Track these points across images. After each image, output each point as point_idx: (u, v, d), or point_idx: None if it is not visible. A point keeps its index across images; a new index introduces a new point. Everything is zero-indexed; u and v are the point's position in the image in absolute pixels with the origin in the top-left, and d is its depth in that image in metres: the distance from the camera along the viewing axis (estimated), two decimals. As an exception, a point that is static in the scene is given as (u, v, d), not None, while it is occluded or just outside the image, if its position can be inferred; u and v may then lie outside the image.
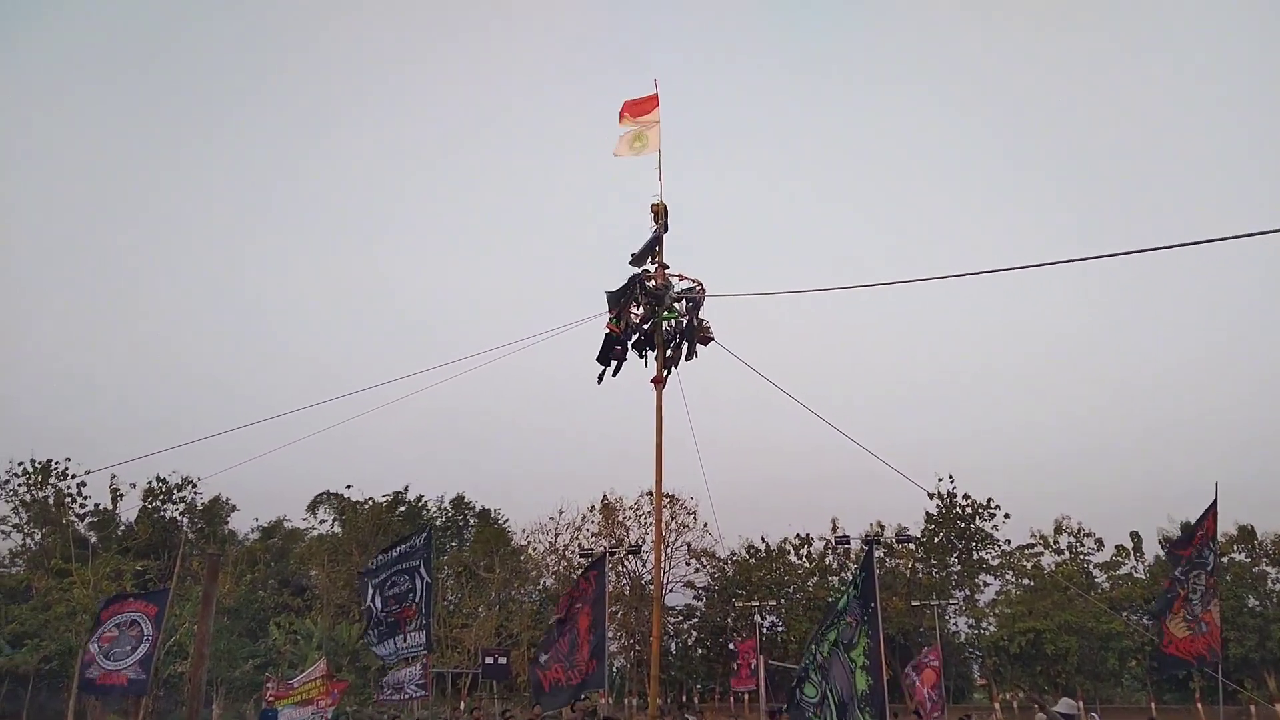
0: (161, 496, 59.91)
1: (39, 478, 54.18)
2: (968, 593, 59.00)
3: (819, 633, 16.09)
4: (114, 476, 56.86)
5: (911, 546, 57.97)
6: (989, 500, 59.31)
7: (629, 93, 16.20)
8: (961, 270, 10.74)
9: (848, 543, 48.48)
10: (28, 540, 56.03)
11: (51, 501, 54.49)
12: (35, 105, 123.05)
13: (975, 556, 59.37)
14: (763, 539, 64.73)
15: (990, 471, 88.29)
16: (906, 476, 16.06)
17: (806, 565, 62.72)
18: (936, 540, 59.21)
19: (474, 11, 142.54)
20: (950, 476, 60.02)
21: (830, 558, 60.77)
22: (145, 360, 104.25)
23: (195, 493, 60.44)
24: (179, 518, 60.26)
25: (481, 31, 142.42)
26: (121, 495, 58.39)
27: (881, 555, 57.76)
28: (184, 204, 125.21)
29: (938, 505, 59.35)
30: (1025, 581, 59.05)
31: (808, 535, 63.38)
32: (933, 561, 59.18)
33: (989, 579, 59.71)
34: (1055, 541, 60.60)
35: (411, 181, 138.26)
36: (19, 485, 53.99)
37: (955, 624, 60.00)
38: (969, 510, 59.19)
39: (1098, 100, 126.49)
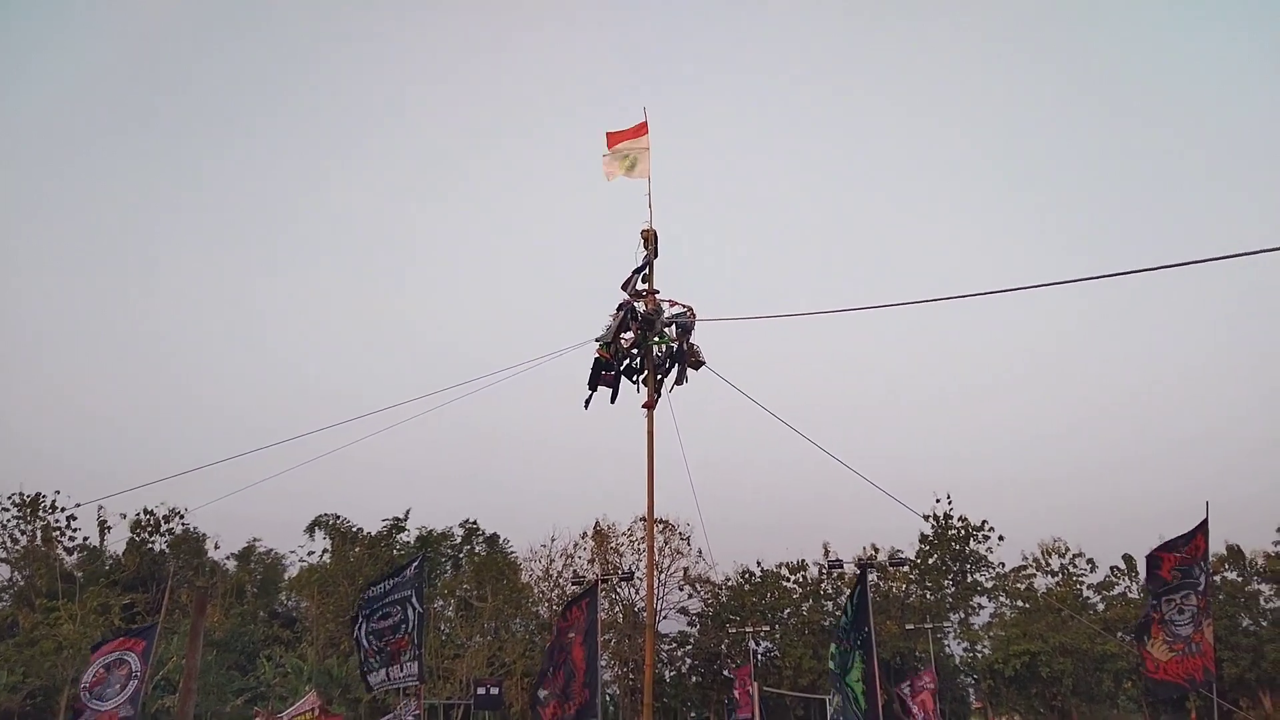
0: (149, 529, 59.35)
1: (28, 511, 53.74)
2: (963, 615, 58.84)
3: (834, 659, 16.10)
4: (101, 508, 56.46)
5: (905, 569, 57.87)
6: (983, 523, 59.43)
7: (630, 113, 16.36)
8: (948, 294, 10.82)
9: (841, 567, 48.58)
10: (15, 575, 55.50)
11: (39, 537, 54.02)
12: (46, 132, 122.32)
13: (969, 579, 59.32)
14: (758, 563, 64.52)
15: (979, 490, 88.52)
16: (899, 501, 16.03)
17: (800, 590, 62.45)
18: (930, 562, 59.11)
19: (497, 30, 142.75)
20: (948, 497, 60.07)
21: (825, 582, 60.53)
22: (144, 388, 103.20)
23: (183, 524, 59.96)
24: (165, 550, 59.64)
25: (503, 52, 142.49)
26: (109, 528, 57.97)
27: (875, 579, 57.65)
28: (190, 224, 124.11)
29: (933, 526, 59.32)
30: (1019, 604, 58.93)
31: (802, 560, 63.19)
32: (927, 584, 59.04)
33: (983, 602, 59.65)
34: (1047, 563, 60.51)
35: (401, 205, 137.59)
36: (8, 519, 53.59)
37: (950, 647, 59.79)
38: (963, 532, 59.21)
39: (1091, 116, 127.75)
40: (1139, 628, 15.43)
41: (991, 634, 58.00)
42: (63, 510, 53.84)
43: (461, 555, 68.42)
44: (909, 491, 59.26)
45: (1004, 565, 59.88)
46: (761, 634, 58.15)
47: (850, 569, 45.80)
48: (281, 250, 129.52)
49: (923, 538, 59.52)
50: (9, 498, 53.48)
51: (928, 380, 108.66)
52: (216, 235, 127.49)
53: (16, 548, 54.29)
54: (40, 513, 54.17)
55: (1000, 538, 59.23)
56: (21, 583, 54.08)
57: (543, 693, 17.59)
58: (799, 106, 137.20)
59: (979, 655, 58.05)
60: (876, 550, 59.27)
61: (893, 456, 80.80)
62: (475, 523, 68.61)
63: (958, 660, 60.27)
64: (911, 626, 53.74)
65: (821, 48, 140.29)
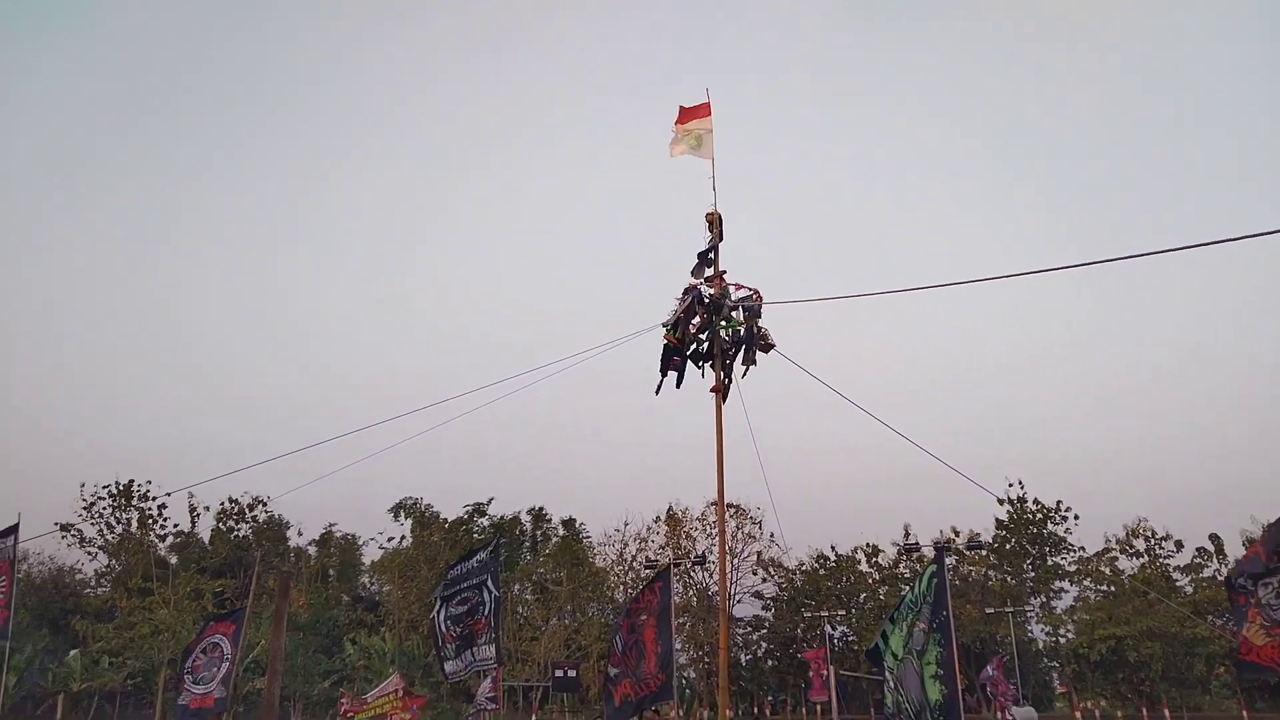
0: (234, 516, 61.52)
1: (122, 500, 55.94)
2: (1044, 599, 57.65)
3: (886, 636, 15.87)
4: (192, 495, 58.48)
5: (984, 553, 56.90)
6: (1058, 503, 58.11)
7: (673, 100, 16.28)
8: (1022, 269, 10.57)
9: (918, 550, 47.97)
10: (112, 562, 57.93)
11: (134, 524, 56.24)
12: (66, 126, 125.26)
13: (1050, 562, 58.09)
14: (832, 548, 64.06)
15: (1059, 471, 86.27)
16: (974, 481, 15.74)
17: (877, 574, 61.87)
18: (1009, 546, 58.00)
19: (512, 20, 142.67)
20: (1020, 482, 58.91)
21: (903, 565, 59.83)
22: (190, 386, 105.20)
23: (265, 511, 61.94)
24: (250, 537, 61.66)
25: (520, 41, 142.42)
26: (199, 515, 60.19)
27: (953, 562, 56.79)
28: (216, 224, 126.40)
29: (1008, 511, 58.19)
30: (1103, 587, 57.50)
31: (875, 547, 62.56)
32: (1006, 568, 57.96)
33: (1065, 585, 58.36)
34: (1131, 545, 58.85)
35: (455, 192, 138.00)
36: (104, 508, 55.85)
37: (1032, 631, 58.68)
38: (1039, 514, 57.99)
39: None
40: (1238, 613, 14.90)
41: (1075, 618, 56.75)
42: (153, 499, 55.96)
43: (534, 540, 69.41)
44: (982, 474, 58.47)
45: (1084, 548, 58.57)
46: (837, 618, 57.79)
47: (927, 552, 45.19)
48: (311, 243, 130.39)
49: (999, 523, 58.49)
50: (104, 487, 55.75)
51: (1001, 359, 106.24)
52: (260, 230, 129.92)
53: (113, 535, 56.61)
54: (134, 502, 56.34)
55: (1076, 517, 58.03)
56: (119, 569, 56.43)
57: (614, 671, 17.72)
58: (862, 86, 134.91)
59: (1062, 640, 56.87)
60: (956, 533, 58.38)
61: (964, 438, 79.52)
62: (542, 509, 69.75)
63: (1040, 645, 59.16)
64: (991, 611, 52.83)
65: (880, 28, 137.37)
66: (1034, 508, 58.32)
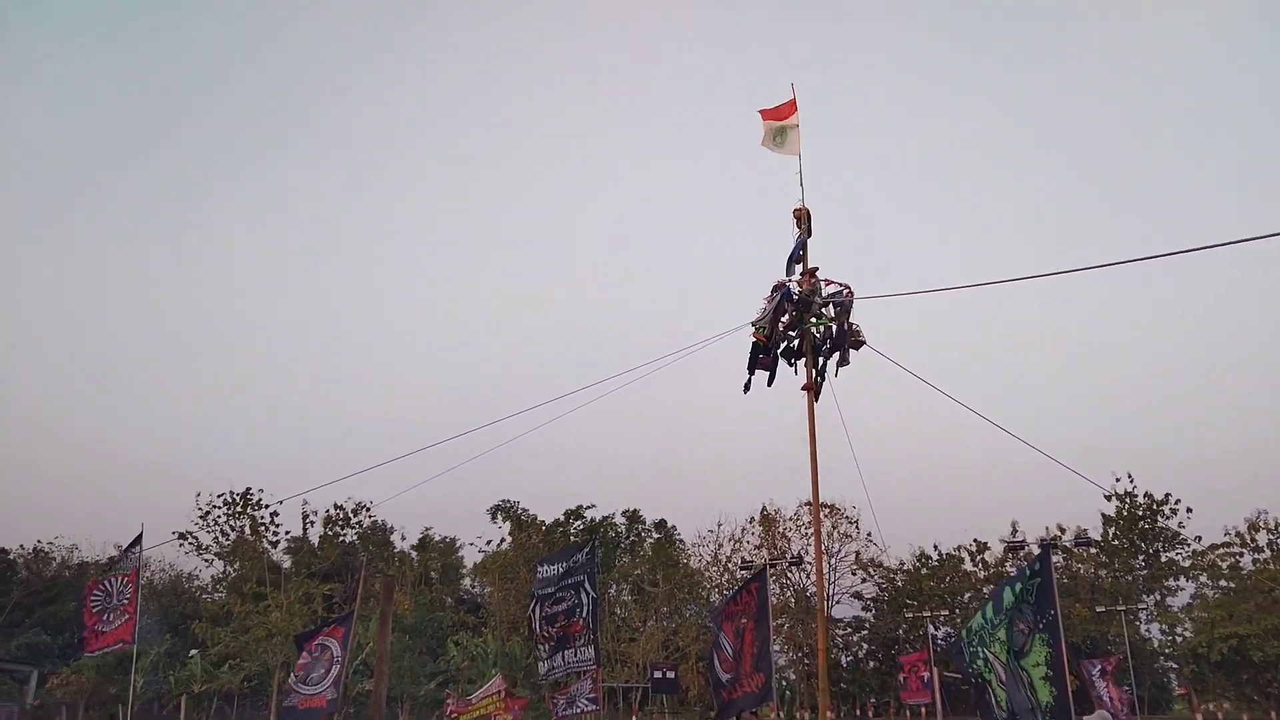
0: (340, 522, 63.52)
1: (237, 507, 58.29)
2: (1158, 597, 55.36)
3: (984, 630, 15.41)
4: (305, 502, 60.85)
5: (1091, 550, 54.93)
6: (1167, 495, 55.76)
7: (758, 98, 16.20)
8: (1118, 259, 10.20)
9: (1024, 547, 46.66)
10: (227, 568, 60.38)
11: (248, 530, 58.51)
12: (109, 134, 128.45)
13: (1163, 558, 55.74)
14: (935, 546, 62.74)
15: (1166, 467, 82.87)
16: (1079, 473, 15.22)
17: (982, 573, 60.30)
18: (1118, 542, 55.87)
19: (593, 13, 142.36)
20: (1129, 476, 56.71)
21: (1009, 564, 58.21)
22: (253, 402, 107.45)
23: (369, 517, 63.83)
24: (356, 542, 63.55)
25: (602, 35, 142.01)
26: (311, 522, 62.48)
27: (1061, 560, 55.03)
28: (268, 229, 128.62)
29: (1116, 506, 56.07)
30: (1223, 584, 54.88)
31: (981, 544, 60.90)
32: (1115, 565, 55.83)
33: (1180, 582, 55.92)
34: (1253, 539, 56.01)
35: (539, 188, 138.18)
36: (219, 515, 58.28)
37: (1147, 630, 56.41)
38: (1148, 510, 55.74)
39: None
40: None
41: (1193, 616, 54.34)
42: (266, 506, 58.16)
43: (629, 541, 69.80)
44: (1094, 472, 56.50)
45: (1200, 539, 55.98)
46: (940, 618, 56.58)
47: (1033, 548, 43.89)
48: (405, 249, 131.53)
49: (1106, 519, 56.36)
50: (219, 495, 58.15)
51: (1108, 353, 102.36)
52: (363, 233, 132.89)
53: (227, 541, 59.00)
54: (248, 509, 58.62)
55: (1189, 510, 55.59)
56: (233, 574, 58.77)
57: (726, 676, 17.71)
58: (946, 76, 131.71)
59: (1179, 639, 54.53)
60: (1062, 530, 56.54)
61: (1067, 432, 77.08)
62: (637, 511, 70.11)
63: (1156, 644, 56.85)
64: (1102, 609, 50.97)
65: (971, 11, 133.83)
66: (1144, 501, 56.12)
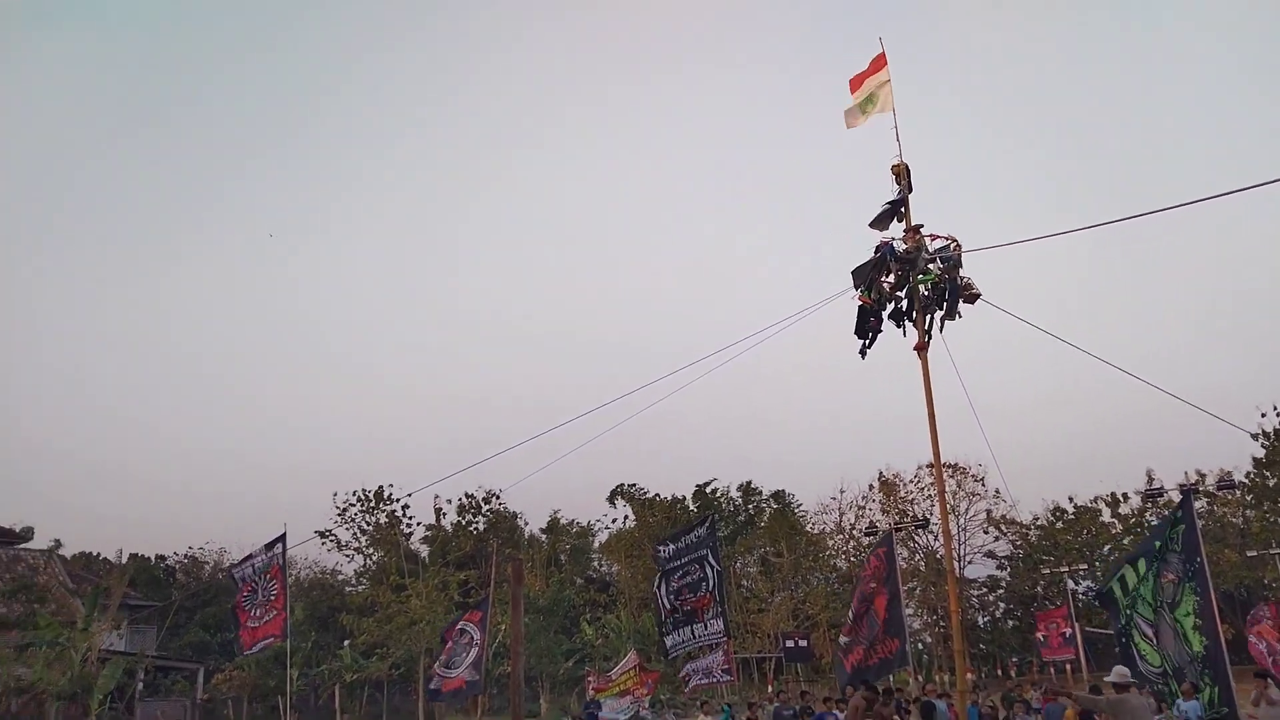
0: (471, 511, 65.73)
1: (373, 504, 60.85)
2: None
3: (1128, 586, 14.93)
4: (437, 496, 63.36)
5: (1237, 493, 52.05)
6: (1327, 426, 52.17)
7: (854, 59, 15.87)
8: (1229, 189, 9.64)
9: (1163, 495, 44.72)
10: (368, 561, 63.12)
11: (385, 523, 61.01)
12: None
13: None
14: (1070, 499, 60.64)
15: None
16: (1219, 417, 14.47)
17: (1120, 525, 58.02)
18: (1269, 484, 52.78)
19: None
20: (1276, 409, 53.33)
21: (1150, 514, 55.83)
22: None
23: (500, 504, 65.83)
24: (487, 529, 65.62)
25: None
26: (444, 513, 64.93)
27: (1204, 505, 52.45)
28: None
29: (1264, 445, 52.90)
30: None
31: (1123, 494, 58.46)
32: (1265, 507, 52.80)
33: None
34: None
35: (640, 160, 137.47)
36: (356, 513, 60.93)
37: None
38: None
39: None
40: None
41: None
42: (397, 500, 60.52)
43: (748, 513, 70.02)
44: (1237, 410, 53.41)
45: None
46: (1080, 573, 54.75)
47: (1173, 496, 41.92)
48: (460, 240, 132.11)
49: (1256, 462, 53.22)
50: (354, 494, 60.77)
51: (1243, 285, 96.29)
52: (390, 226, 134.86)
53: (364, 537, 61.71)
54: (383, 504, 61.11)
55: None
56: (375, 566, 61.42)
57: (844, 639, 17.71)
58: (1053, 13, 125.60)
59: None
60: (1202, 476, 53.79)
61: (1204, 372, 73.25)
62: (751, 483, 70.16)
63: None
64: (1254, 554, 48.37)
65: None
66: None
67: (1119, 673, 12.26)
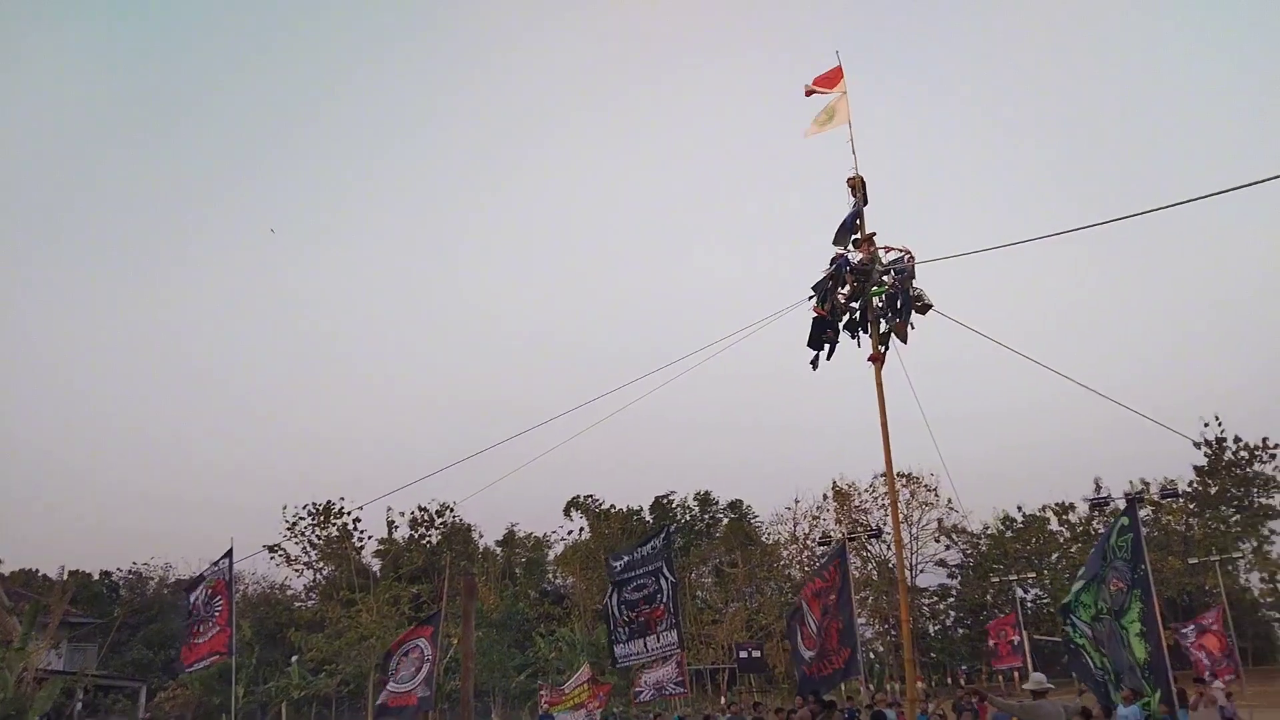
0: (424, 524, 64.95)
1: (323, 518, 59.92)
2: (1255, 544, 53.57)
3: (1076, 596, 15.22)
4: (389, 508, 62.62)
5: (1180, 501, 53.29)
6: (1264, 440, 53.73)
7: (803, 70, 15.93)
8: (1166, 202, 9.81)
9: (1109, 503, 45.57)
10: (317, 576, 62.11)
11: (336, 537, 60.10)
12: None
13: (1257, 504, 53.80)
14: (1018, 508, 61.60)
15: (1260, 409, 79.42)
16: (1163, 424, 14.74)
17: (1068, 532, 59.05)
18: (1211, 492, 54.11)
19: None
20: (1217, 419, 54.80)
21: (1096, 522, 56.86)
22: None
23: (453, 516, 65.16)
24: (440, 543, 64.92)
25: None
26: (396, 526, 64.13)
27: (1149, 514, 53.56)
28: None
29: (1206, 454, 54.27)
30: (1328, 527, 52.76)
31: (1070, 503, 59.55)
32: (1207, 515, 54.08)
33: (1277, 527, 53.99)
34: (1356, 479, 53.80)
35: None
36: (306, 526, 59.95)
37: (1246, 580, 54.64)
38: (1243, 454, 53.86)
39: None
40: None
41: (1293, 562, 52.48)
42: (348, 514, 59.70)
43: (703, 524, 70.04)
44: (1179, 420, 54.76)
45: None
46: (1028, 581, 55.56)
47: (1118, 504, 42.77)
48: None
49: (1197, 470, 54.60)
50: (304, 507, 59.82)
51: (1188, 297, 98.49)
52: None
53: (314, 551, 60.72)
54: (332, 518, 60.21)
55: (1287, 452, 53.44)
56: (324, 581, 60.45)
57: (808, 653, 17.70)
58: (1007, 30, 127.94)
59: (1280, 586, 52.76)
60: (1146, 485, 54.98)
61: (1150, 383, 74.98)
62: (708, 493, 70.29)
63: (1256, 594, 55.07)
64: (1195, 560, 49.48)
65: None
66: (1234, 446, 54.31)
67: (1036, 679, 12.47)
